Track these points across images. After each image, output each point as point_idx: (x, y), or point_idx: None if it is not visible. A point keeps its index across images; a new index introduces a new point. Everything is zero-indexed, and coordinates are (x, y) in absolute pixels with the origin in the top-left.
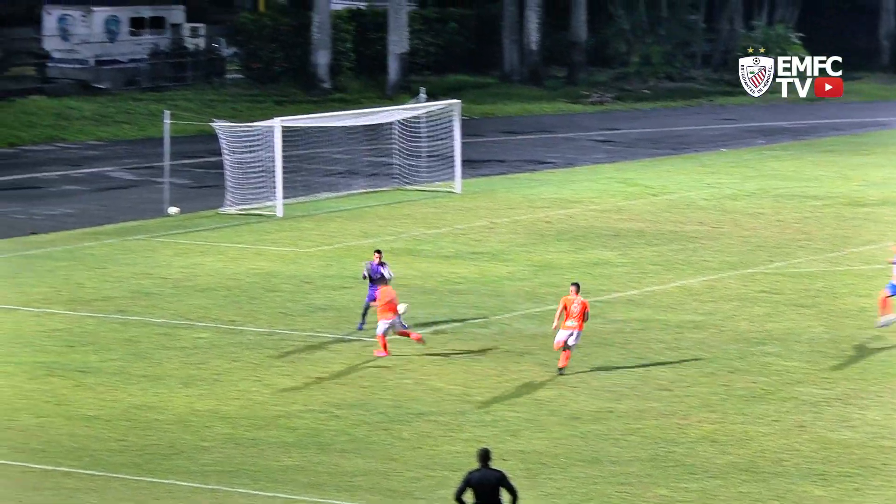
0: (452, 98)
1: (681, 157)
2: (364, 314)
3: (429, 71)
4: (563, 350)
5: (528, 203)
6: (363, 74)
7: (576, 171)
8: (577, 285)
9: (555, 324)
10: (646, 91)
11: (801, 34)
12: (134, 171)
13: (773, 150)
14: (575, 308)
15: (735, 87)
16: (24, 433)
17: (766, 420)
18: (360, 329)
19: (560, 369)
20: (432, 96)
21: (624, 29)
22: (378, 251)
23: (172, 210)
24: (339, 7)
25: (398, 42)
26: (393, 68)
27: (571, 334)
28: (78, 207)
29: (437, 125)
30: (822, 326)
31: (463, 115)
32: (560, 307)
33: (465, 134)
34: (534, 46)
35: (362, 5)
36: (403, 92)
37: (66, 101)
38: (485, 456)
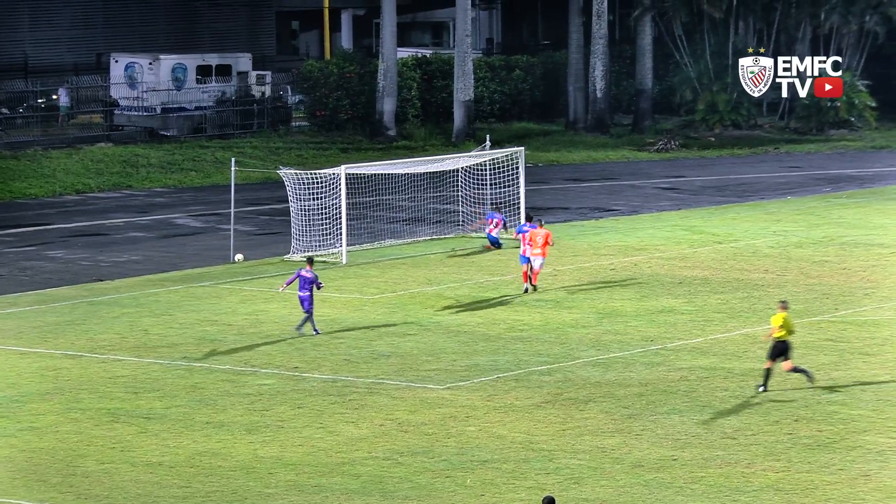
0: (517, 145)
1: (746, 204)
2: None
3: (494, 118)
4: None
5: (593, 250)
6: (428, 122)
7: (641, 218)
8: (540, 220)
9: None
10: (711, 139)
11: (867, 81)
12: (200, 217)
13: (839, 197)
14: (539, 239)
15: (802, 134)
16: (88, 479)
17: (832, 469)
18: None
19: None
20: (497, 143)
21: (690, 76)
22: (310, 259)
23: (238, 257)
24: (404, 54)
25: (463, 89)
26: (458, 115)
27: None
28: (144, 254)
29: (501, 172)
30: (888, 375)
31: (528, 163)
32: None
33: (529, 181)
34: (599, 94)
35: (428, 53)
36: (468, 139)
37: (133, 149)
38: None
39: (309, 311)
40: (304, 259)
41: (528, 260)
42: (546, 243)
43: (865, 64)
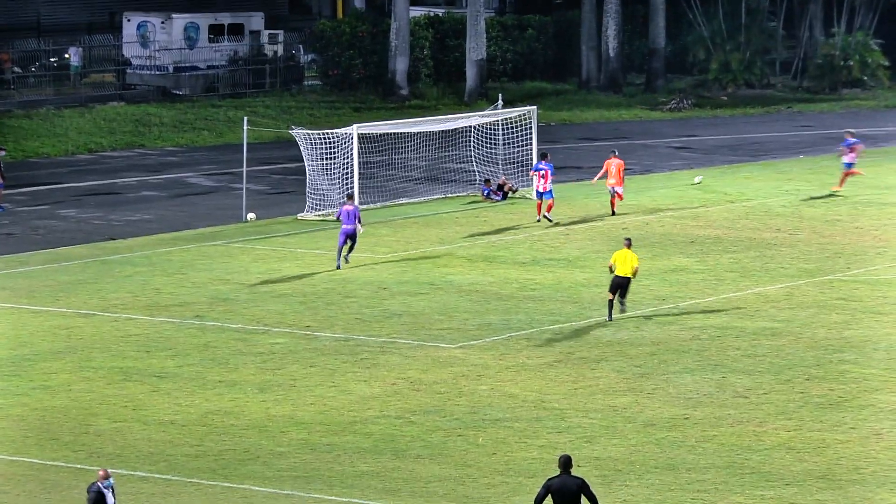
0: (530, 105)
1: (759, 164)
2: (339, 253)
3: (506, 78)
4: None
5: (605, 209)
6: (441, 81)
7: (653, 177)
8: (614, 151)
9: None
10: (724, 98)
11: (880, 41)
12: (212, 177)
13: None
14: (613, 169)
15: (814, 93)
16: (101, 437)
17: (843, 428)
18: (339, 268)
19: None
20: (510, 103)
21: (703, 36)
22: (350, 195)
23: (250, 216)
24: (417, 13)
25: (476, 48)
26: (471, 75)
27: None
28: (156, 213)
29: (514, 131)
30: None
31: (540, 122)
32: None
33: (542, 140)
34: (612, 53)
35: (440, 12)
36: (481, 98)
37: (146, 108)
38: (566, 463)
39: (343, 244)
40: (346, 196)
41: (542, 195)
42: (620, 172)
43: (879, 23)
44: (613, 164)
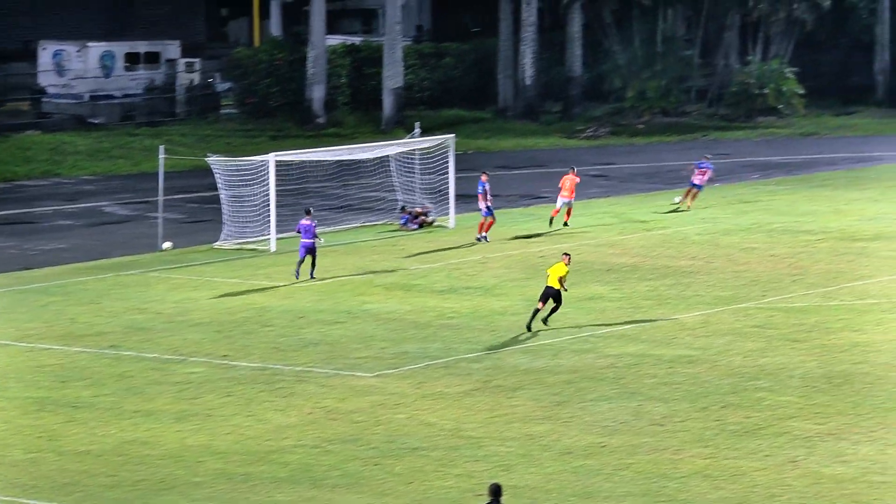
0: (448, 133)
1: (675, 191)
2: (299, 265)
3: (424, 106)
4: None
5: (522, 237)
6: (359, 109)
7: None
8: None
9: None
10: (641, 126)
11: (796, 69)
12: (128, 205)
13: (768, 184)
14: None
15: (730, 121)
16: (16, 468)
17: (759, 455)
18: (297, 277)
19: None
20: (428, 131)
21: (619, 64)
22: (307, 210)
23: (166, 245)
24: (334, 42)
25: (393, 77)
26: (388, 103)
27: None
28: (72, 242)
29: (431, 160)
30: (815, 361)
31: (458, 150)
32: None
33: (459, 169)
34: (529, 81)
35: (358, 40)
36: (398, 126)
37: (61, 137)
38: (496, 491)
39: (303, 257)
40: (304, 211)
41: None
42: (572, 186)
43: (795, 51)
44: (568, 179)
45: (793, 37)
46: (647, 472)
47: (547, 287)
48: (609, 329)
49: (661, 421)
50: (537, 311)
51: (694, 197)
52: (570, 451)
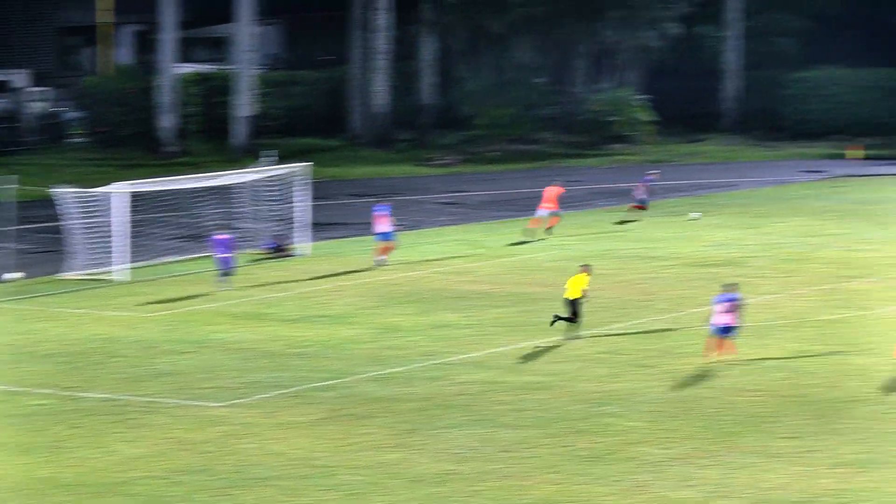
0: (301, 161)
1: (526, 219)
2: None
3: (277, 134)
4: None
5: (375, 265)
6: (211, 138)
7: (422, 233)
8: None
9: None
10: (493, 154)
11: (650, 96)
12: None
13: (618, 211)
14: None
15: (582, 148)
16: None
17: (607, 480)
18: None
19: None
20: (280, 159)
21: (471, 92)
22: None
23: (13, 276)
24: (186, 70)
25: (244, 105)
26: (239, 131)
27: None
28: None
29: (284, 188)
30: (664, 386)
31: (311, 178)
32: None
33: (313, 197)
34: (381, 109)
35: (210, 68)
36: (250, 155)
37: None
38: None
39: (228, 270)
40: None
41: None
42: (555, 197)
43: (646, 79)
44: (552, 190)
45: (643, 64)
46: (497, 499)
47: (566, 299)
48: (460, 356)
49: (511, 447)
50: (559, 317)
51: (635, 208)
52: (420, 479)
